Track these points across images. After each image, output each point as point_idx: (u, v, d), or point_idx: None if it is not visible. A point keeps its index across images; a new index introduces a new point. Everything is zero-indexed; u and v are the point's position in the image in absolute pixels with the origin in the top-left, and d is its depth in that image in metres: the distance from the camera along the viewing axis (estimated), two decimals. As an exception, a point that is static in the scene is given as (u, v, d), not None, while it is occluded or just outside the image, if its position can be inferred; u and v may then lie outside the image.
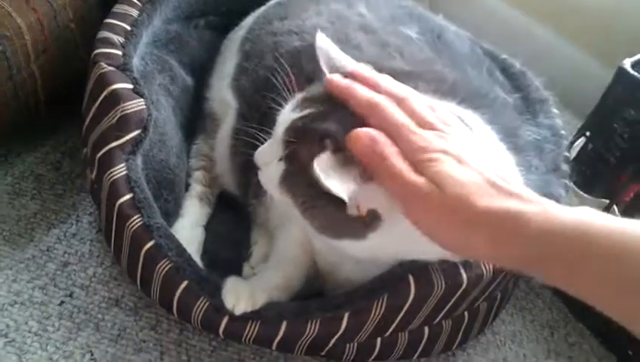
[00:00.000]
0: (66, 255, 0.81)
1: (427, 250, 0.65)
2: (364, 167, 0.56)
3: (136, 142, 0.72)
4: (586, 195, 0.87)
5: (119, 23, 0.80)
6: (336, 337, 0.69)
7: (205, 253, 0.82)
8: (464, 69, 0.81)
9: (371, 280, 0.68)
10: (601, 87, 0.87)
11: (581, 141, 0.90)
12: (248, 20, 0.92)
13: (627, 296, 0.48)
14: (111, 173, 0.71)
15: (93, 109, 0.75)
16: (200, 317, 0.68)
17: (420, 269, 0.67)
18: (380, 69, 0.67)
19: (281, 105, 0.64)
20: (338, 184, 0.54)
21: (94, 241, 0.83)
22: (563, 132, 0.86)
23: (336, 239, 0.62)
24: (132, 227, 0.69)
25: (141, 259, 0.69)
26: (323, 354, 0.74)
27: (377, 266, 0.69)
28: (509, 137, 0.71)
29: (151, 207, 0.70)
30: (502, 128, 0.71)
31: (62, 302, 0.77)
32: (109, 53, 0.77)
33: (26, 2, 0.79)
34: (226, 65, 0.89)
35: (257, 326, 0.67)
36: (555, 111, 0.88)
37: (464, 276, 0.67)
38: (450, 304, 0.71)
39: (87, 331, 0.75)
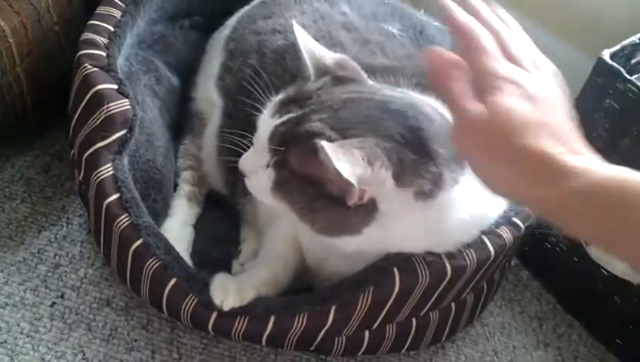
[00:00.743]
0: (57, 257, 0.82)
1: (414, 243, 0.67)
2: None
3: (122, 142, 0.73)
4: (569, 186, 0.88)
5: (103, 24, 0.81)
6: (324, 331, 0.70)
7: (195, 251, 0.83)
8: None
9: (357, 274, 0.69)
10: (582, 78, 0.88)
11: (564, 133, 0.90)
12: (233, 20, 0.93)
13: None
14: (98, 173, 0.71)
15: (79, 110, 0.75)
16: (189, 313, 0.68)
17: (404, 261, 0.68)
18: (361, 65, 0.68)
19: (260, 111, 0.65)
20: (348, 167, 0.55)
21: (85, 243, 0.84)
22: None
23: (333, 237, 0.64)
24: (120, 226, 0.70)
25: (130, 257, 0.70)
26: (312, 348, 0.74)
27: (364, 259, 0.70)
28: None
29: (138, 207, 0.71)
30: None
31: (53, 304, 0.77)
32: (93, 54, 0.77)
33: (9, 5, 0.79)
34: (211, 64, 0.90)
35: (246, 321, 0.68)
36: (538, 103, 0.89)
37: (448, 267, 0.68)
38: (435, 295, 0.71)
39: (79, 331, 0.75)
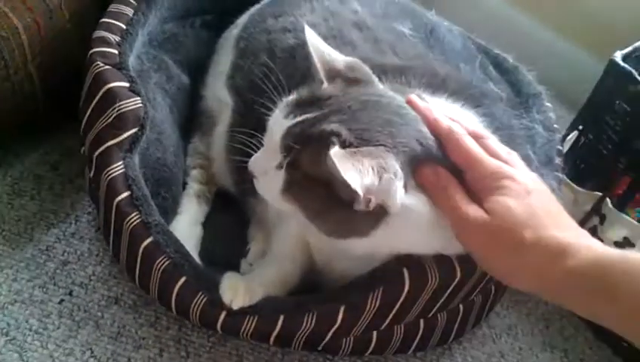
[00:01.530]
0: (66, 254, 0.82)
1: (424, 245, 0.67)
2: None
3: (134, 140, 0.73)
4: (579, 188, 0.88)
5: (115, 22, 0.81)
6: (332, 331, 0.70)
7: (203, 250, 0.83)
8: (456, 64, 0.82)
9: (366, 274, 0.69)
10: (595, 80, 0.88)
11: (574, 134, 0.91)
12: (243, 18, 0.93)
13: None
14: (108, 171, 0.71)
15: (91, 108, 0.76)
16: (198, 312, 0.69)
17: (414, 262, 0.68)
18: (372, 65, 0.68)
19: (270, 110, 0.65)
20: (354, 176, 0.55)
21: (93, 240, 0.84)
22: (556, 125, 0.87)
23: (342, 239, 0.64)
24: (130, 224, 0.70)
25: (139, 255, 0.70)
26: (320, 348, 0.75)
27: (373, 260, 0.70)
28: (502, 130, 0.72)
29: (149, 205, 0.71)
30: (494, 122, 0.72)
31: (62, 301, 0.77)
32: (105, 52, 0.78)
33: (22, 2, 0.79)
34: (221, 63, 0.90)
35: (255, 320, 0.68)
36: (548, 105, 0.89)
37: (457, 269, 0.68)
38: (444, 297, 0.71)
39: (87, 329, 0.75)
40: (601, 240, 0.85)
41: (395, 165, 0.57)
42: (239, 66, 0.85)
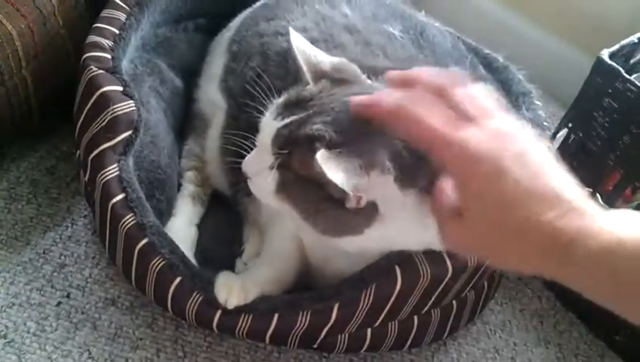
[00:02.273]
0: (62, 257, 0.83)
1: (416, 242, 0.68)
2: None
3: (128, 143, 0.74)
4: (569, 185, 0.89)
5: (108, 27, 0.82)
6: (327, 328, 0.71)
7: (199, 251, 0.84)
8: (446, 65, 0.83)
9: (359, 272, 0.70)
10: (584, 78, 0.89)
11: (564, 132, 0.91)
12: (236, 22, 0.93)
13: None
14: (103, 173, 0.72)
15: (85, 112, 0.76)
16: (194, 311, 0.69)
17: (406, 259, 0.69)
18: (363, 67, 0.69)
19: (262, 113, 0.66)
20: (342, 176, 0.56)
21: (90, 243, 0.85)
22: (546, 123, 0.88)
23: (336, 237, 0.64)
24: (125, 226, 0.71)
25: (135, 257, 0.71)
26: (315, 346, 0.75)
27: (366, 258, 0.71)
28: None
29: (143, 206, 0.72)
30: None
31: (59, 303, 0.78)
32: (99, 57, 0.78)
33: (16, 9, 0.80)
34: (214, 66, 0.91)
35: (250, 319, 0.69)
36: (538, 103, 0.90)
37: (449, 265, 0.69)
38: (437, 293, 0.72)
39: (85, 330, 0.76)
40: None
41: (382, 161, 0.58)
42: (232, 69, 0.86)
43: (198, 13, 1.01)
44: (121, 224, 0.71)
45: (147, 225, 0.71)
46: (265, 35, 0.85)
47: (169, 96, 0.90)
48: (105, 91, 0.75)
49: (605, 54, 0.82)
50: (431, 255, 0.69)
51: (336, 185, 0.56)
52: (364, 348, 0.77)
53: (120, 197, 0.72)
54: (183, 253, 0.72)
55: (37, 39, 0.83)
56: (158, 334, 0.78)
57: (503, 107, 0.55)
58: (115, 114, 0.74)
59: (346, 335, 0.74)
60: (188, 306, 0.69)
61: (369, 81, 0.68)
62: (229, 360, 0.78)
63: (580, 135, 0.87)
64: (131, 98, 0.76)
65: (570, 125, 0.90)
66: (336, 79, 0.65)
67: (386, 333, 0.76)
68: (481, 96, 0.54)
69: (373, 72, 0.72)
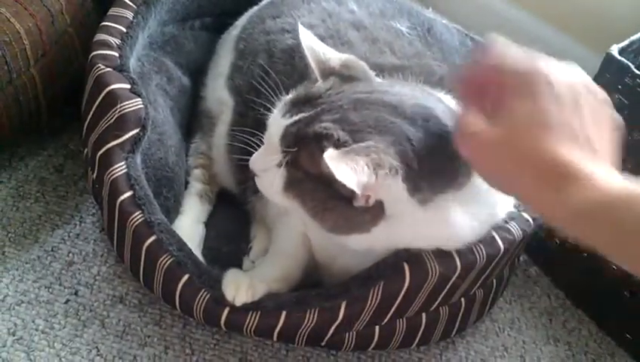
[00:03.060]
0: (71, 254, 0.83)
1: (423, 241, 0.67)
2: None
3: (135, 140, 0.74)
4: (578, 182, 0.88)
5: (115, 25, 0.82)
6: (334, 326, 0.71)
7: (206, 248, 0.84)
8: (454, 61, 0.83)
9: (367, 269, 0.70)
10: (592, 75, 0.88)
11: (573, 128, 0.91)
12: (242, 20, 0.94)
13: None
14: (111, 171, 0.73)
15: (93, 110, 0.77)
16: (202, 309, 0.69)
17: (414, 257, 0.68)
18: (370, 64, 0.69)
19: (270, 110, 0.66)
20: (350, 176, 0.55)
21: (98, 241, 0.85)
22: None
23: (343, 235, 0.64)
24: (133, 223, 0.71)
25: (143, 254, 0.71)
26: (323, 344, 0.75)
27: (373, 256, 0.71)
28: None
29: (151, 204, 0.72)
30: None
31: (67, 301, 0.78)
32: (106, 55, 0.79)
33: (24, 8, 0.81)
34: (220, 64, 0.91)
35: (257, 316, 0.69)
36: (546, 100, 0.89)
37: (458, 262, 0.69)
38: (445, 290, 0.72)
39: (93, 328, 0.76)
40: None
41: (390, 160, 0.58)
42: (239, 67, 0.86)
43: (205, 12, 1.01)
44: (129, 221, 0.71)
45: (155, 223, 0.71)
46: (271, 33, 0.85)
47: (176, 95, 0.91)
48: (113, 89, 0.75)
49: (615, 50, 0.81)
50: (439, 252, 0.68)
51: (344, 184, 0.56)
52: (372, 345, 0.77)
53: (128, 194, 0.72)
54: (190, 250, 0.72)
55: (45, 37, 0.83)
56: (166, 331, 0.78)
57: None
58: (123, 112, 0.74)
59: (354, 332, 0.74)
60: (196, 304, 0.69)
61: (377, 79, 0.68)
62: (237, 357, 0.78)
63: (589, 131, 0.87)
64: (139, 96, 0.76)
65: (579, 122, 0.89)
66: (345, 76, 0.65)
67: (393, 331, 0.76)
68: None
69: (380, 69, 0.72)
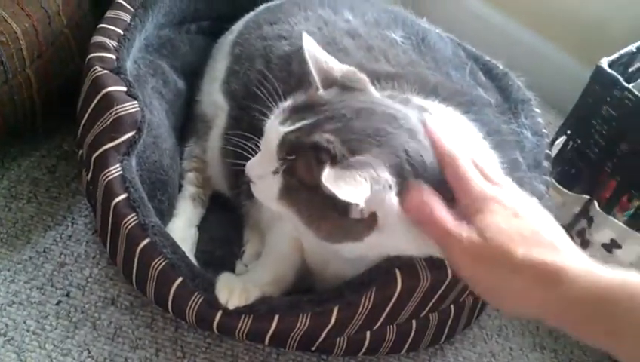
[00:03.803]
0: (63, 256, 0.83)
1: (416, 249, 0.68)
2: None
3: (131, 143, 0.74)
4: (567, 191, 0.90)
5: (112, 27, 0.82)
6: (326, 330, 0.71)
7: (199, 252, 0.84)
8: (447, 71, 0.84)
9: (360, 275, 0.70)
10: (583, 86, 0.90)
11: (562, 139, 0.92)
12: (239, 24, 0.94)
13: None
14: (106, 173, 0.73)
15: (88, 112, 0.77)
16: (194, 312, 0.70)
17: (406, 263, 0.69)
18: (365, 72, 0.69)
19: (266, 116, 0.66)
20: (349, 192, 0.56)
21: (90, 242, 0.85)
22: (544, 130, 0.89)
23: (337, 243, 0.65)
24: (127, 226, 0.71)
25: (136, 257, 0.71)
26: (314, 348, 0.76)
27: (366, 262, 0.71)
28: (492, 135, 0.74)
29: (146, 207, 0.72)
30: (484, 127, 0.74)
31: (59, 302, 0.78)
32: (103, 57, 0.79)
33: (21, 8, 0.81)
34: (216, 68, 0.91)
35: (250, 320, 0.69)
36: (537, 110, 0.91)
37: (449, 270, 0.69)
38: (436, 297, 0.73)
39: (85, 329, 0.76)
40: (589, 243, 0.87)
41: (385, 176, 0.58)
42: (235, 71, 0.87)
43: (201, 16, 1.01)
44: (123, 224, 0.71)
45: (149, 225, 0.71)
46: (268, 39, 0.86)
47: (171, 98, 0.91)
48: (109, 91, 0.75)
49: (604, 63, 0.83)
50: (431, 259, 0.69)
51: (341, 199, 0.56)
52: (363, 350, 0.78)
53: (122, 197, 0.72)
54: (184, 253, 0.72)
55: (41, 38, 0.83)
56: (158, 334, 0.78)
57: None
58: (119, 114, 0.74)
59: (345, 337, 0.75)
60: (188, 307, 0.70)
61: (376, 93, 0.68)
62: (228, 361, 0.78)
63: (579, 142, 0.89)
64: (135, 99, 0.76)
65: (568, 132, 0.91)
66: (346, 87, 0.65)
67: (384, 336, 0.77)
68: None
69: (376, 77, 0.72)
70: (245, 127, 0.78)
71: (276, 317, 0.69)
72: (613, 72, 0.82)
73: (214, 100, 0.89)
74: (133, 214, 0.71)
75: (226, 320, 0.70)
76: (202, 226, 0.88)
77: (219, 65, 0.91)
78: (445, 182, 0.61)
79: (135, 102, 0.76)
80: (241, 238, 0.87)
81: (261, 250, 0.81)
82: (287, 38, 0.84)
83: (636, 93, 0.80)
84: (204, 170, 0.90)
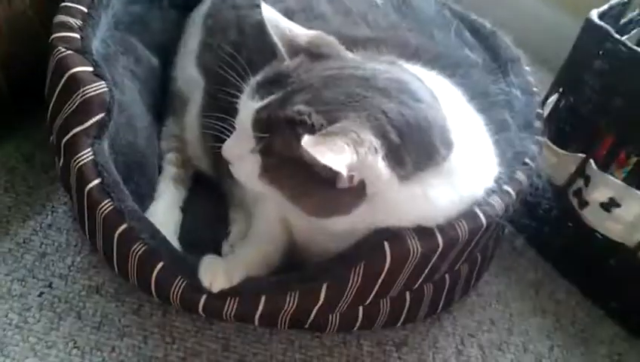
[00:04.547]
0: (43, 246, 0.81)
1: (404, 218, 0.66)
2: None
3: (101, 125, 0.71)
4: (561, 151, 0.87)
5: (76, 5, 0.78)
6: (316, 308, 0.69)
7: (185, 234, 0.82)
8: (430, 32, 0.81)
9: (347, 249, 0.68)
10: (572, 41, 0.86)
11: (554, 97, 0.89)
12: (211, -5, 0.90)
13: None
14: (77, 158, 0.70)
15: (55, 95, 0.74)
16: (178, 296, 0.68)
17: (395, 235, 0.67)
18: (344, 38, 0.66)
19: (240, 90, 0.63)
20: (335, 158, 0.53)
21: (71, 231, 0.83)
22: (535, 89, 0.85)
23: (324, 218, 0.63)
24: (103, 212, 0.69)
25: (115, 243, 0.69)
26: (307, 326, 0.74)
27: (353, 236, 0.69)
28: (479, 97, 0.71)
29: (121, 191, 0.70)
30: (470, 88, 0.71)
31: (41, 293, 0.76)
32: (67, 37, 0.75)
33: (-24, -9, 0.78)
34: (190, 42, 0.88)
35: (236, 302, 0.67)
36: (527, 68, 0.88)
37: (439, 239, 0.67)
38: (428, 268, 0.70)
39: (69, 320, 0.75)
40: (587, 202, 0.85)
41: (369, 138, 0.56)
42: (208, 45, 0.84)
43: (174, -11, 0.97)
44: (98, 210, 0.69)
45: (125, 210, 0.68)
46: (241, 8, 0.82)
47: (144, 76, 0.87)
48: (74, 72, 0.72)
49: (594, 14, 0.80)
50: (420, 230, 0.67)
51: (325, 166, 0.54)
52: (357, 326, 0.76)
53: (96, 182, 0.69)
54: (164, 237, 0.70)
55: (2, 22, 0.79)
56: (145, 321, 0.76)
57: None
58: (86, 96, 0.71)
59: (337, 314, 0.73)
60: (172, 291, 0.68)
61: (349, 54, 0.65)
62: (219, 344, 0.76)
63: (571, 100, 0.86)
64: (103, 79, 0.73)
65: (560, 90, 0.88)
66: (314, 54, 0.63)
67: (378, 311, 0.75)
68: None
69: (354, 43, 0.69)
70: (222, 105, 0.75)
71: (263, 298, 0.67)
72: (603, 24, 0.78)
73: (189, 76, 0.86)
74: (108, 200, 0.69)
75: (211, 303, 0.68)
76: (187, 207, 0.85)
77: (192, 38, 0.88)
78: (431, 141, 0.59)
79: (103, 82, 0.73)
80: (227, 218, 0.84)
81: (247, 229, 0.79)
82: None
83: (629, 44, 0.76)
84: (184, 149, 0.87)
